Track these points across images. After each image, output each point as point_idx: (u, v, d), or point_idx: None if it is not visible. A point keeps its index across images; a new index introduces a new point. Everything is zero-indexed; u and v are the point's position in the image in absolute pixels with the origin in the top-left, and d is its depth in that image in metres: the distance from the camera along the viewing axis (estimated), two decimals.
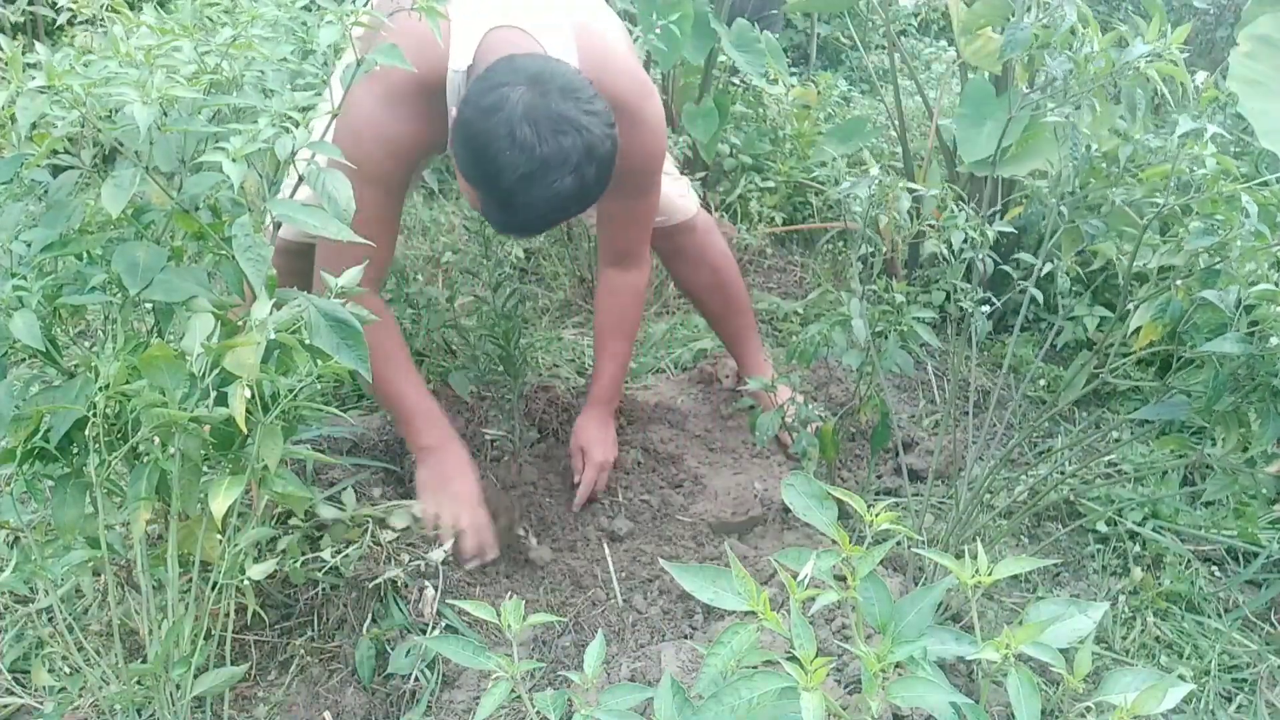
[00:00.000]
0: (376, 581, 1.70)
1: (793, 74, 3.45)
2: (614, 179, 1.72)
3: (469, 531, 1.83)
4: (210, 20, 1.40)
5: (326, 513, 1.71)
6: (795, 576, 1.10)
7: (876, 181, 1.79)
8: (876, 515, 1.15)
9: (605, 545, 1.99)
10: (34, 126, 1.19)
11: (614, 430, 2.09)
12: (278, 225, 1.40)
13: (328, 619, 1.72)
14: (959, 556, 1.24)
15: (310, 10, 1.46)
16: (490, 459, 2.15)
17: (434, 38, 1.60)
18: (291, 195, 1.55)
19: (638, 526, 2.05)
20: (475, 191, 1.56)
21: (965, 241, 1.81)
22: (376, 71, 1.56)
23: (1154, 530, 2.12)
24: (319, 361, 1.24)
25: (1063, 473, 2.19)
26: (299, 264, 1.97)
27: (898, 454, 2.25)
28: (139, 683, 1.40)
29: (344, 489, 1.83)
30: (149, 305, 1.34)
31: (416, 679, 1.64)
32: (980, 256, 1.82)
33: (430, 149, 1.80)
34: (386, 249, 1.83)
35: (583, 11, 1.79)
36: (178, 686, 1.36)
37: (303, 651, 1.68)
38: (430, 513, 1.82)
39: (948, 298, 1.95)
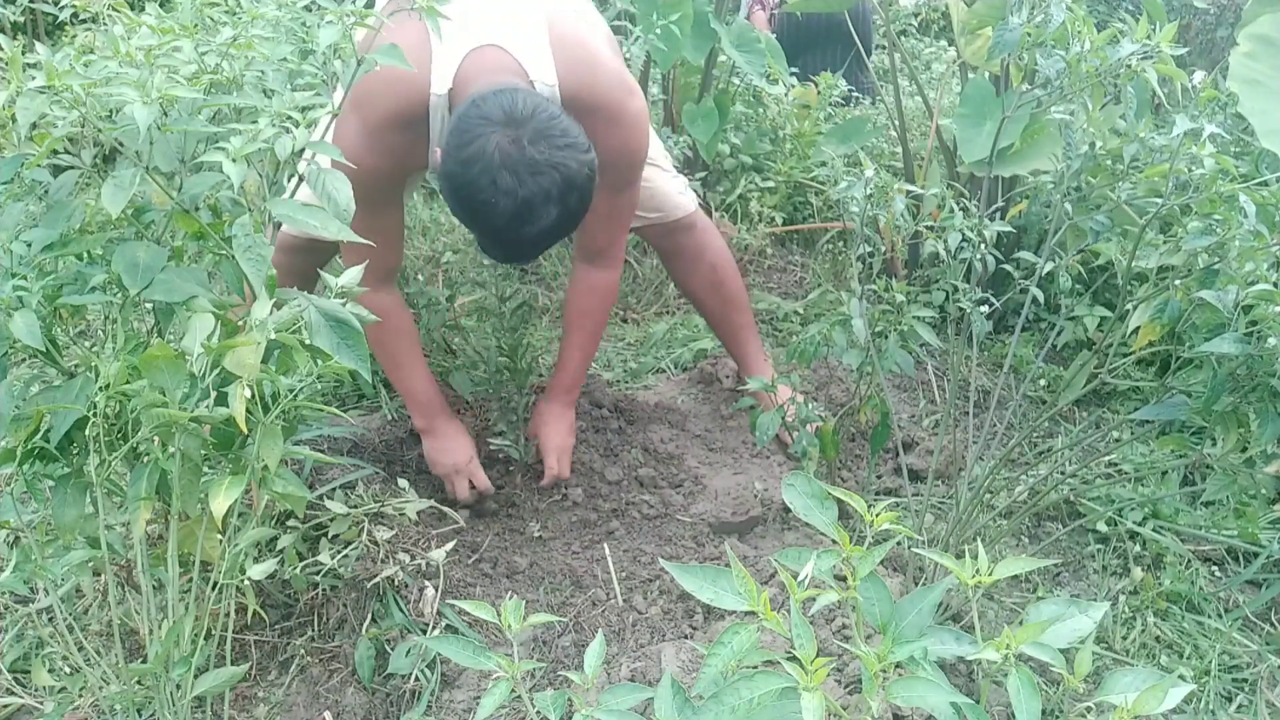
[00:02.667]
0: (375, 581, 1.70)
1: (792, 74, 3.44)
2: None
3: (456, 481, 2.04)
4: (210, 20, 1.40)
5: (334, 507, 1.72)
6: (795, 576, 1.10)
7: (873, 181, 1.79)
8: (876, 515, 1.15)
9: (605, 545, 1.99)
10: (34, 126, 1.19)
11: (572, 419, 2.14)
12: (278, 225, 1.41)
13: (328, 619, 1.72)
14: (959, 556, 1.24)
15: (310, 10, 1.46)
16: (496, 470, 2.15)
17: (417, 59, 1.63)
18: (292, 195, 1.55)
19: (638, 526, 2.05)
20: (469, 230, 1.68)
21: (963, 241, 1.81)
22: (358, 102, 1.63)
23: (1154, 530, 2.12)
24: (319, 361, 1.24)
25: (1063, 473, 2.19)
26: (302, 261, 1.97)
27: (898, 454, 2.25)
28: (139, 683, 1.40)
29: (332, 489, 1.83)
30: (149, 305, 1.34)
31: (416, 679, 1.64)
32: (979, 256, 1.82)
33: (412, 170, 1.86)
34: (392, 251, 1.94)
35: (553, 3, 1.79)
36: (178, 686, 1.36)
37: (303, 651, 1.68)
38: (438, 476, 2.06)
39: (948, 297, 1.95)
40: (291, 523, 1.70)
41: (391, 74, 1.61)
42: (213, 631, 1.41)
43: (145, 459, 1.25)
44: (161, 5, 1.43)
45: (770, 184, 3.35)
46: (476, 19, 1.70)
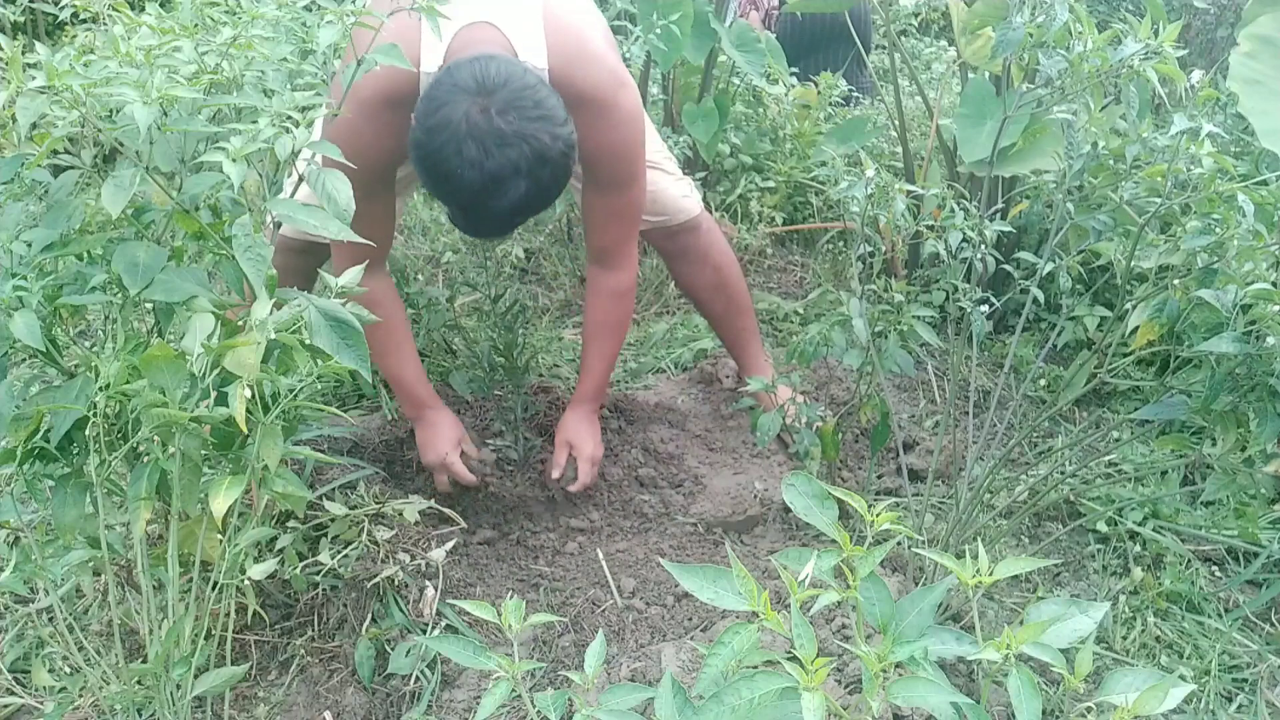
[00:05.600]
0: (375, 581, 1.70)
1: (792, 74, 3.45)
2: (588, 171, 1.77)
3: (436, 476, 2.04)
4: (210, 20, 1.40)
5: (334, 508, 1.72)
6: (795, 576, 1.10)
7: (873, 181, 1.79)
8: (877, 515, 1.15)
9: (605, 545, 1.99)
10: (34, 126, 1.19)
11: (599, 427, 2.10)
12: (278, 225, 1.41)
13: (328, 619, 1.72)
14: (959, 556, 1.24)
15: (310, 10, 1.46)
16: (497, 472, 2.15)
17: (406, 38, 1.58)
18: (293, 194, 1.54)
19: (638, 526, 2.05)
20: (440, 202, 1.62)
21: (964, 241, 1.81)
22: (353, 85, 1.55)
23: (1154, 530, 2.12)
24: (319, 361, 1.24)
25: (1063, 473, 2.19)
26: (301, 261, 1.97)
27: (898, 454, 2.25)
28: (139, 683, 1.40)
29: (332, 489, 1.83)
30: (149, 305, 1.34)
31: (416, 679, 1.64)
32: (979, 256, 1.82)
33: (404, 157, 1.79)
34: (380, 236, 1.87)
35: None
36: (178, 686, 1.36)
37: (303, 651, 1.68)
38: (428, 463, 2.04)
39: (948, 297, 1.95)
40: (291, 523, 1.70)
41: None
42: (213, 631, 1.41)
43: (145, 459, 1.25)
44: (161, 5, 1.43)
45: (770, 184, 3.35)
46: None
